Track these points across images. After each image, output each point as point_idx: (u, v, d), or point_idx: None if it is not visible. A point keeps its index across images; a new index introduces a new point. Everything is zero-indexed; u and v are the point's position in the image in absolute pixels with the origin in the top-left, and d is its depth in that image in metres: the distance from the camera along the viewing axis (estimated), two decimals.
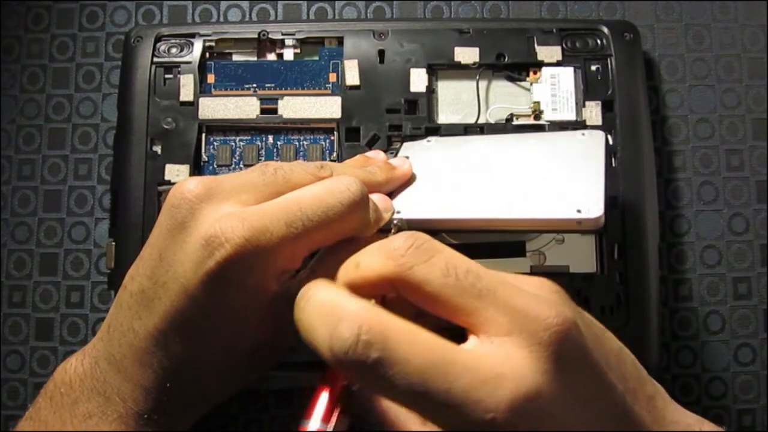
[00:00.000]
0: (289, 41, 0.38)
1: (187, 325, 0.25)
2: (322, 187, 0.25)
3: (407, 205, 0.29)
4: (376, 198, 0.28)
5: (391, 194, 0.30)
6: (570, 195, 0.28)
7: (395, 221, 0.28)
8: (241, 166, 0.37)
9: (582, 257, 0.35)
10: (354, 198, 0.25)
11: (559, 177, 0.29)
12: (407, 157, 0.33)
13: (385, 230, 0.28)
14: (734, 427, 0.38)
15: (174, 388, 0.26)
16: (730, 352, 0.38)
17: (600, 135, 0.32)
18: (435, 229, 0.28)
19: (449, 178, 0.31)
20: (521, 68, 0.38)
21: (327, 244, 0.26)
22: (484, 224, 0.28)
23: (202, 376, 0.27)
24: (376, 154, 0.33)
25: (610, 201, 0.34)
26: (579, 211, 0.27)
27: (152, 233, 0.26)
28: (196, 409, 0.29)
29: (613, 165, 0.34)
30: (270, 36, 0.38)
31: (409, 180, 0.31)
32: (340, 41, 0.38)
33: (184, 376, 0.26)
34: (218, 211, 0.25)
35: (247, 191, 0.25)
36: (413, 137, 0.36)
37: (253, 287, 0.25)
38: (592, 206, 0.27)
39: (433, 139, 0.35)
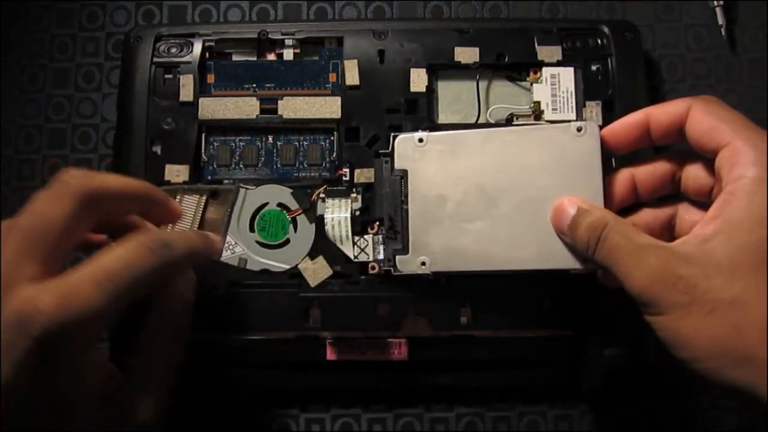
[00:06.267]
0: (289, 41, 0.38)
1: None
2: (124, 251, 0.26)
3: (430, 254, 0.33)
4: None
5: (406, 232, 0.33)
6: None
7: (430, 275, 0.33)
8: (241, 166, 0.37)
9: None
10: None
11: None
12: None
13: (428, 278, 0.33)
14: (734, 427, 0.38)
15: None
16: None
17: (595, 133, 0.32)
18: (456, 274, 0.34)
19: (454, 210, 0.33)
20: (521, 68, 0.38)
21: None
22: (498, 272, 0.32)
23: None
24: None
25: None
26: (585, 260, 0.31)
27: None
28: None
29: (614, 166, 0.34)
30: (270, 36, 0.38)
31: (414, 198, 0.33)
32: (340, 41, 0.38)
33: None
34: (17, 289, 0.24)
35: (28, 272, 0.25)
36: None
37: (76, 357, 0.25)
38: None
39: (425, 136, 0.33)
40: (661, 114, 0.30)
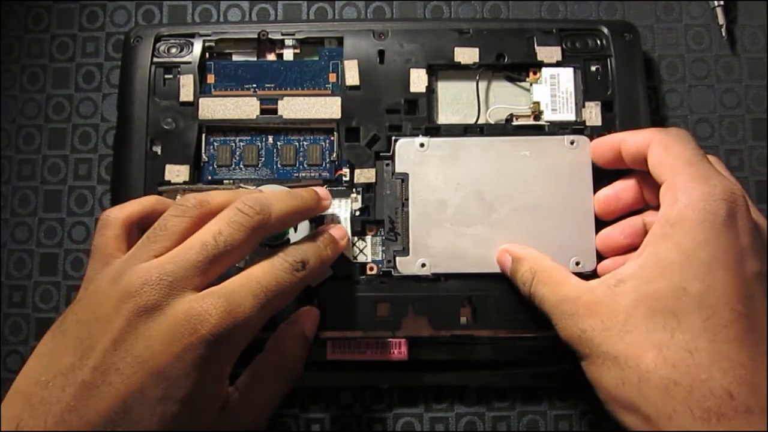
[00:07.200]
0: (289, 41, 0.38)
1: (146, 402, 0.25)
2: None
3: (430, 256, 0.34)
4: (334, 230, 0.32)
5: (407, 234, 0.34)
6: (567, 245, 0.33)
7: (430, 276, 0.34)
8: (241, 166, 0.37)
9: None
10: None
11: (555, 219, 0.34)
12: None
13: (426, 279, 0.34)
14: None
15: None
16: None
17: (586, 148, 0.34)
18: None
19: (454, 214, 0.34)
20: (521, 68, 0.38)
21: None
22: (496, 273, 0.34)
23: None
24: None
25: None
26: (578, 263, 0.33)
27: (89, 320, 0.26)
28: None
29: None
30: (270, 36, 0.38)
31: (416, 204, 0.34)
32: (340, 41, 0.38)
33: None
34: (185, 294, 0.26)
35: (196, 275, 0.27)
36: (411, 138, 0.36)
37: (231, 356, 0.27)
38: (587, 258, 0.33)
39: (426, 141, 0.35)
40: (630, 141, 0.30)
